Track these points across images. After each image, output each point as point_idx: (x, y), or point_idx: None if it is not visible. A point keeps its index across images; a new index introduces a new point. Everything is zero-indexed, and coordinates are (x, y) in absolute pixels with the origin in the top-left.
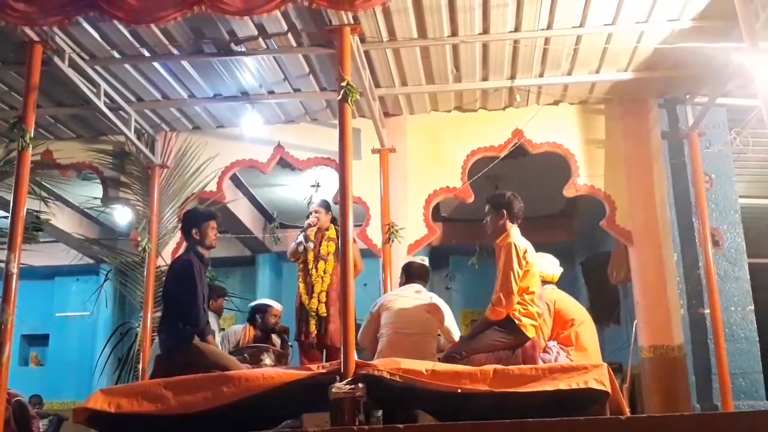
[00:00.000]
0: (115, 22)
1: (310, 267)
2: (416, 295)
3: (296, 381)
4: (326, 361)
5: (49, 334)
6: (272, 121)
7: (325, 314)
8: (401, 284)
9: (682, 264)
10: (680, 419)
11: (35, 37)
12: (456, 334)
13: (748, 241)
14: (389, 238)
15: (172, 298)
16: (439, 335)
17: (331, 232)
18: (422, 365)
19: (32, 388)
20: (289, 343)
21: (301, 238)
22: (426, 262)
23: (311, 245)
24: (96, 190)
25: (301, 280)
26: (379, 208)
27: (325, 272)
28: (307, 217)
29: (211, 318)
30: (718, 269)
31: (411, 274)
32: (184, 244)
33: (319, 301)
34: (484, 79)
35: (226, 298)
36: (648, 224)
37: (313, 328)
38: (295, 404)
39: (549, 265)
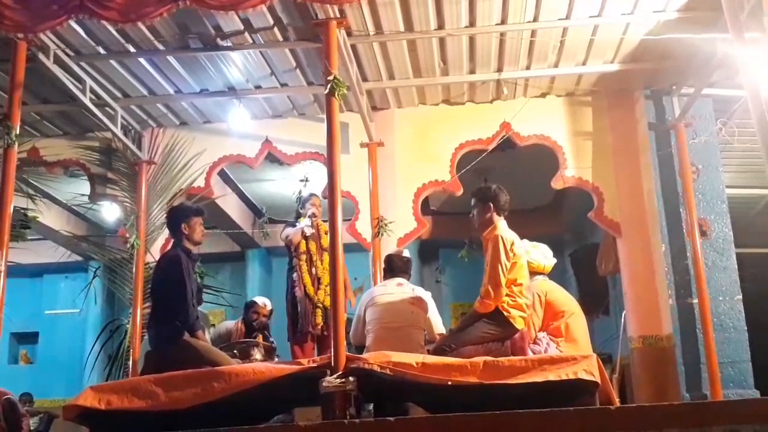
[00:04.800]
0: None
1: (314, 259)
2: (398, 289)
3: (287, 375)
4: (318, 355)
5: (38, 332)
6: (260, 116)
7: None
8: (383, 278)
9: (670, 254)
10: (670, 408)
11: (19, 34)
12: (438, 325)
13: (735, 231)
14: (378, 232)
15: (160, 294)
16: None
17: (324, 226)
18: (412, 358)
19: (22, 386)
20: (270, 340)
21: (308, 222)
22: (407, 253)
23: (314, 234)
24: (83, 186)
25: (305, 271)
26: (368, 202)
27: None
28: (302, 207)
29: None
30: (706, 259)
31: (392, 268)
32: (172, 240)
33: (325, 293)
34: (471, 72)
35: (215, 291)
36: (636, 215)
37: (319, 319)
38: (286, 399)
39: (541, 256)
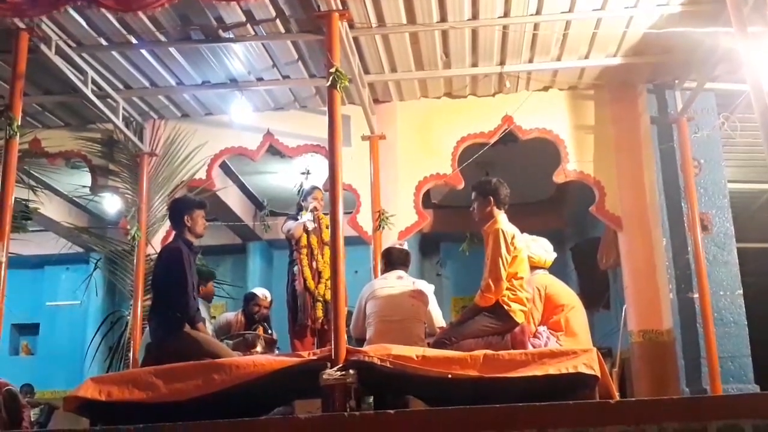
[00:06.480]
0: (102, 9)
1: (315, 252)
2: (399, 282)
3: (287, 368)
4: (318, 347)
5: (39, 323)
6: (261, 109)
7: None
8: (382, 271)
9: (671, 249)
10: (669, 403)
11: (21, 25)
12: (438, 318)
13: (736, 226)
14: (380, 225)
15: (161, 286)
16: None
17: (325, 219)
18: (412, 351)
19: (23, 377)
20: (269, 332)
21: (310, 216)
22: (405, 246)
23: (316, 227)
24: (85, 178)
25: (305, 265)
26: (370, 195)
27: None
28: (305, 200)
29: (201, 306)
30: (707, 254)
31: (392, 260)
32: (173, 232)
33: (326, 287)
34: (474, 65)
35: (216, 283)
36: (637, 209)
37: (320, 313)
38: (287, 391)
39: (541, 250)
